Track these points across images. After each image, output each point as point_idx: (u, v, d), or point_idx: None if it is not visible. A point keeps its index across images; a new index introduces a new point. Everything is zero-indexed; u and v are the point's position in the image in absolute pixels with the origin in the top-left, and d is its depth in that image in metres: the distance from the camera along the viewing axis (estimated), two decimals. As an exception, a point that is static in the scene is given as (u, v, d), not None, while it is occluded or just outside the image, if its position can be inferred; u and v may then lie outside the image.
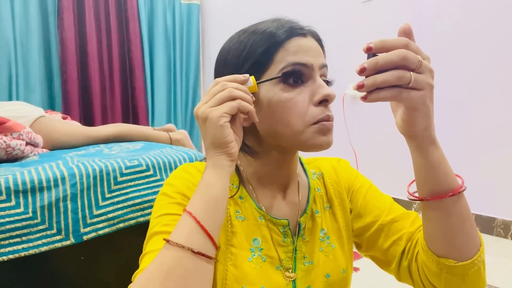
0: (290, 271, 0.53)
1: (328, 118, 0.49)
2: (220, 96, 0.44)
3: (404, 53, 0.37)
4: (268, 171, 0.55)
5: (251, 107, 0.45)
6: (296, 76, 0.48)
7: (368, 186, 0.61)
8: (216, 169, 0.44)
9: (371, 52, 0.39)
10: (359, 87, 0.38)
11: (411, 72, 0.37)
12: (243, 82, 0.46)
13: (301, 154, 0.62)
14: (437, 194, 0.44)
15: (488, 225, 1.83)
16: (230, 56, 0.52)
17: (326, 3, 2.49)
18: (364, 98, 0.39)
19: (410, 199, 0.47)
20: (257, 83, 0.48)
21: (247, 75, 0.46)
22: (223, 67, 0.53)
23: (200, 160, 1.11)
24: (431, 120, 0.41)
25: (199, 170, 0.54)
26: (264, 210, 0.54)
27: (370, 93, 0.38)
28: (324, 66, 0.51)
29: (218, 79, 0.46)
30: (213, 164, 0.44)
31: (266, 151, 0.54)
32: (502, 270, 1.46)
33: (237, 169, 0.57)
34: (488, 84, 1.82)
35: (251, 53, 0.50)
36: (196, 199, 0.43)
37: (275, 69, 0.48)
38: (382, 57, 0.37)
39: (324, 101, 0.49)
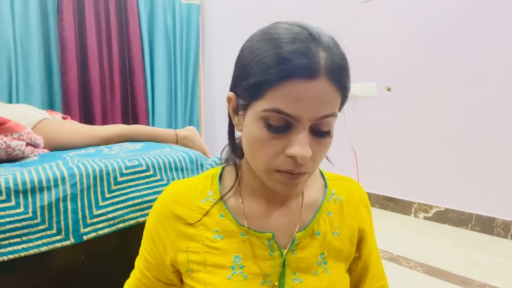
0: (276, 286, 0.52)
1: (291, 172, 0.46)
2: None
3: None
4: (261, 185, 0.53)
5: None
6: (276, 123, 0.44)
7: (374, 247, 0.62)
8: None
9: None
10: None
11: None
12: None
13: (321, 167, 0.61)
14: None
15: (488, 225, 1.83)
16: (241, 60, 0.48)
17: (326, 3, 2.49)
18: None
19: None
20: None
21: None
22: (235, 65, 0.50)
23: (203, 165, 1.11)
24: None
25: (175, 191, 0.57)
26: (245, 226, 0.53)
27: None
28: (323, 117, 0.44)
29: None
30: None
31: None
32: (502, 270, 1.46)
33: (225, 179, 0.57)
34: (490, 85, 1.81)
35: (250, 74, 0.45)
36: None
37: (261, 106, 0.44)
38: None
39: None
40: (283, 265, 0.52)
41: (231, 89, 0.51)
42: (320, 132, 0.46)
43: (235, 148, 0.56)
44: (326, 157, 0.54)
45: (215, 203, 0.54)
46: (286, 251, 0.53)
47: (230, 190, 0.55)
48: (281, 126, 0.44)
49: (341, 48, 0.46)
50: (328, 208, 0.58)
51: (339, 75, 0.44)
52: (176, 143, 1.47)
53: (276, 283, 0.52)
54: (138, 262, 0.59)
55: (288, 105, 0.42)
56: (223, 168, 0.59)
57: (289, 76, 0.41)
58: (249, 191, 0.55)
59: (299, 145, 0.43)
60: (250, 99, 0.46)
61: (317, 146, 0.46)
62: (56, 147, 1.24)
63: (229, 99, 0.51)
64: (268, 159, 0.46)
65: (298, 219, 0.55)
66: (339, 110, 0.48)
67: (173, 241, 0.54)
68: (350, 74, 0.46)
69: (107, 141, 1.30)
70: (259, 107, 0.44)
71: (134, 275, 0.59)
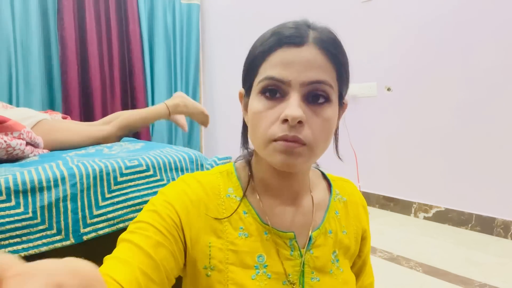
0: (297, 285, 0.52)
1: (286, 138, 0.45)
2: None
3: None
4: (272, 179, 0.53)
5: None
6: (270, 91, 0.46)
7: (369, 250, 0.64)
8: None
9: None
10: None
11: None
12: None
13: (324, 169, 0.63)
14: None
15: (488, 225, 1.83)
16: (248, 54, 0.52)
17: (326, 3, 2.49)
18: None
19: None
20: None
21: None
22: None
23: (204, 166, 1.11)
24: None
25: (199, 182, 0.53)
26: (269, 224, 0.52)
27: None
28: (313, 82, 0.45)
29: None
30: None
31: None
32: (502, 270, 1.46)
33: (240, 176, 0.56)
34: (490, 85, 1.81)
35: (248, 58, 0.50)
36: None
37: (257, 80, 0.48)
38: None
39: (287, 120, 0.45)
40: (303, 265, 0.53)
41: (242, 86, 0.53)
42: (314, 99, 0.46)
43: (247, 144, 0.56)
44: (338, 156, 0.56)
45: (241, 200, 0.53)
46: (305, 250, 0.53)
47: (248, 186, 0.54)
48: (274, 93, 0.46)
49: (334, 32, 0.49)
50: (335, 207, 0.59)
51: (328, 45, 0.47)
52: (169, 115, 1.45)
53: (297, 283, 0.52)
54: (119, 249, 0.46)
55: (278, 70, 0.45)
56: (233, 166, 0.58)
57: (277, 45, 0.46)
58: (262, 188, 0.55)
59: (289, 106, 0.44)
60: (250, 80, 0.49)
61: (314, 116, 0.46)
62: (56, 147, 1.24)
63: (240, 95, 0.54)
64: (265, 129, 0.46)
65: (311, 217, 0.55)
66: (342, 90, 0.50)
67: (196, 233, 0.50)
68: (344, 51, 0.49)
69: (106, 139, 1.30)
70: (256, 83, 0.48)
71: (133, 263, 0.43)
